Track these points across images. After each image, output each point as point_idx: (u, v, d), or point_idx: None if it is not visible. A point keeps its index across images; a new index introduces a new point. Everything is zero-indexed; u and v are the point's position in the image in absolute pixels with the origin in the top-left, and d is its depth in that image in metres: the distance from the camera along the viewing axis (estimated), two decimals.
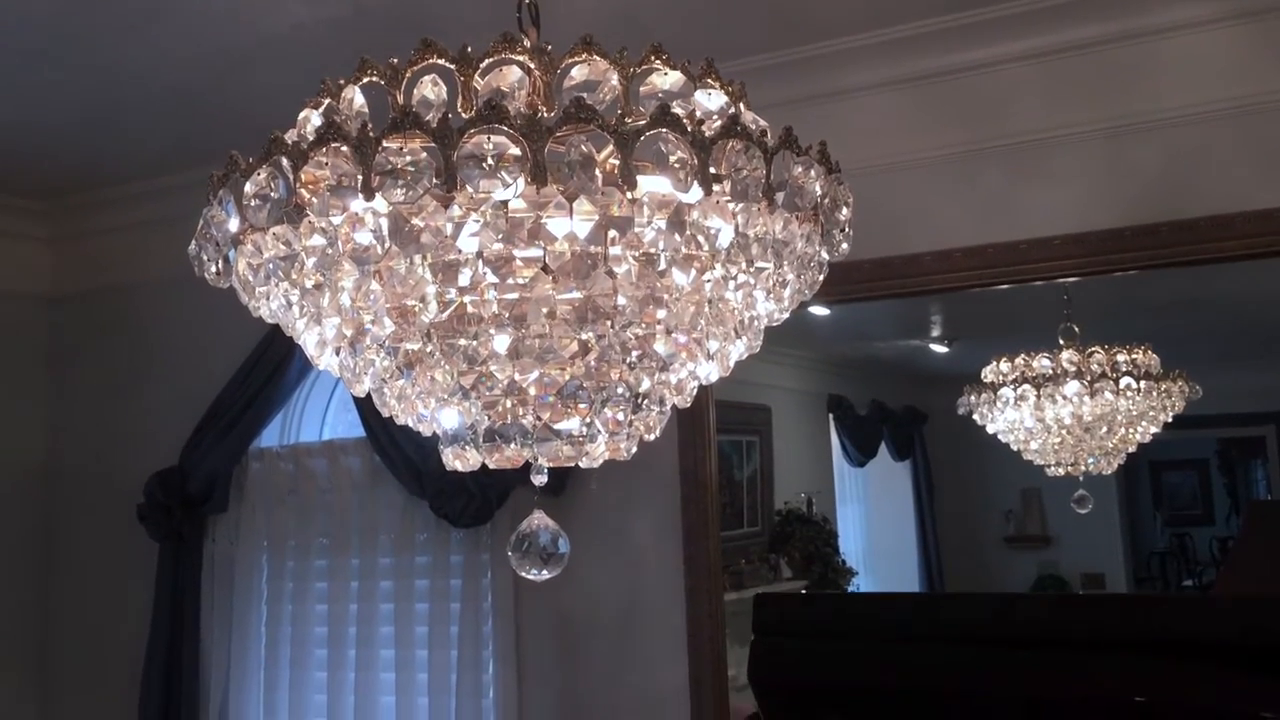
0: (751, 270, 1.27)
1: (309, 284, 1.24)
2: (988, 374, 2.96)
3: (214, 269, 1.32)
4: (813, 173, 1.22)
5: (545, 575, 1.36)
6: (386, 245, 1.16)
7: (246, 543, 3.58)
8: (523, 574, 1.37)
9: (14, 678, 3.90)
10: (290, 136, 1.23)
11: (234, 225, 1.24)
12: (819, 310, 3.09)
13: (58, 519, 3.99)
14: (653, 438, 1.41)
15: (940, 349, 3.40)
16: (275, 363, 3.44)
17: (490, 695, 3.16)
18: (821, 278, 1.40)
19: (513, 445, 1.31)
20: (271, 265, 1.24)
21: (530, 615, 3.18)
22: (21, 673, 3.92)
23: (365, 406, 3.27)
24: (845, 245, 1.37)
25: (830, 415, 3.43)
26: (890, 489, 3.43)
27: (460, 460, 1.35)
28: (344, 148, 1.13)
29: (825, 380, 3.48)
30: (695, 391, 1.40)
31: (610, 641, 3.09)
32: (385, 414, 1.39)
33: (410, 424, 1.37)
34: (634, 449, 1.39)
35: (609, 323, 1.23)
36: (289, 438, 3.75)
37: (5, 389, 3.96)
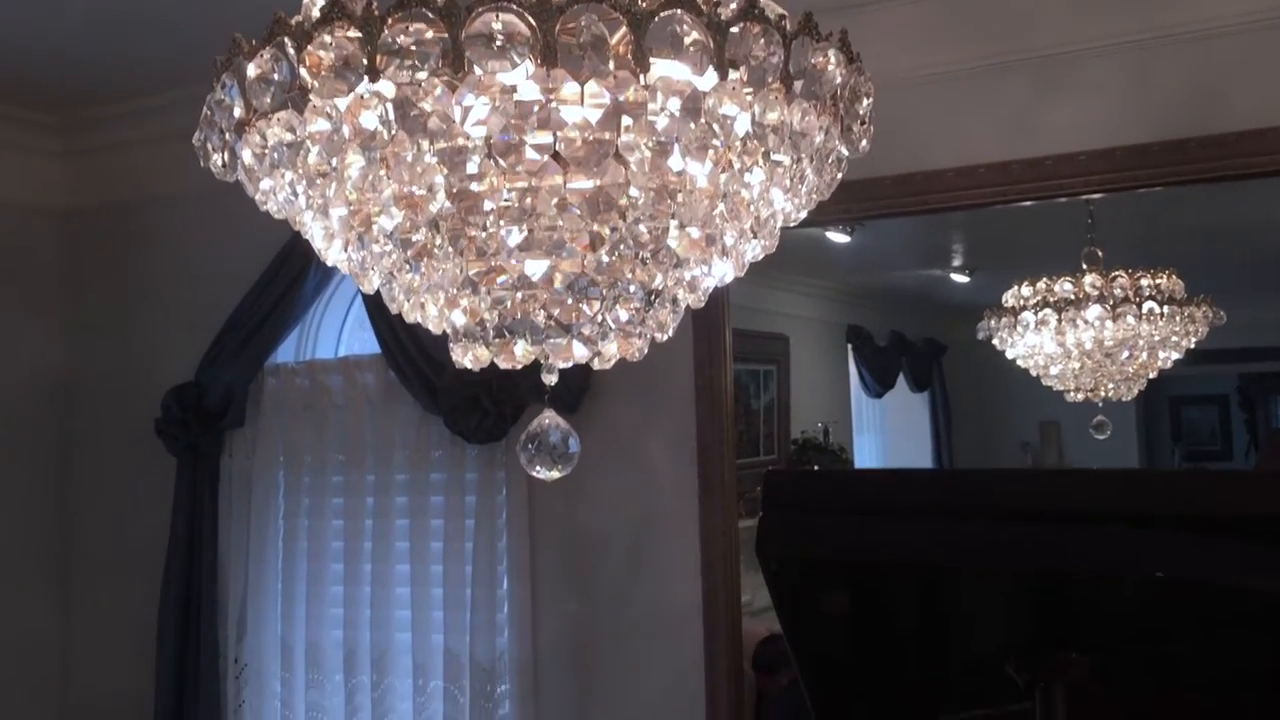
0: (768, 164, 1.24)
1: (315, 173, 1.22)
2: (1009, 298, 2.92)
3: (219, 160, 1.29)
4: (832, 60, 1.18)
5: (555, 475, 1.34)
6: (393, 130, 1.14)
7: (263, 458, 3.59)
8: (532, 473, 1.35)
9: (38, 592, 3.95)
10: (296, 21, 1.19)
11: (238, 110, 1.21)
12: (838, 237, 3.05)
13: (76, 434, 4.01)
14: (664, 337, 1.38)
15: (961, 279, 3.35)
16: (291, 277, 3.43)
17: (505, 610, 3.19)
18: (840, 175, 1.36)
19: (522, 342, 1.29)
20: (276, 154, 1.22)
21: (545, 531, 3.19)
22: (45, 587, 3.97)
23: (380, 322, 3.25)
24: (865, 142, 1.33)
25: (849, 345, 3.40)
26: (908, 420, 3.41)
27: (470, 357, 1.34)
28: (349, 29, 1.10)
29: (844, 310, 3.45)
30: (709, 290, 1.38)
31: (624, 558, 3.10)
32: (394, 310, 1.37)
33: (418, 320, 1.35)
34: (645, 349, 1.37)
35: (621, 216, 1.20)
36: (305, 354, 3.75)
37: (20, 304, 3.96)
